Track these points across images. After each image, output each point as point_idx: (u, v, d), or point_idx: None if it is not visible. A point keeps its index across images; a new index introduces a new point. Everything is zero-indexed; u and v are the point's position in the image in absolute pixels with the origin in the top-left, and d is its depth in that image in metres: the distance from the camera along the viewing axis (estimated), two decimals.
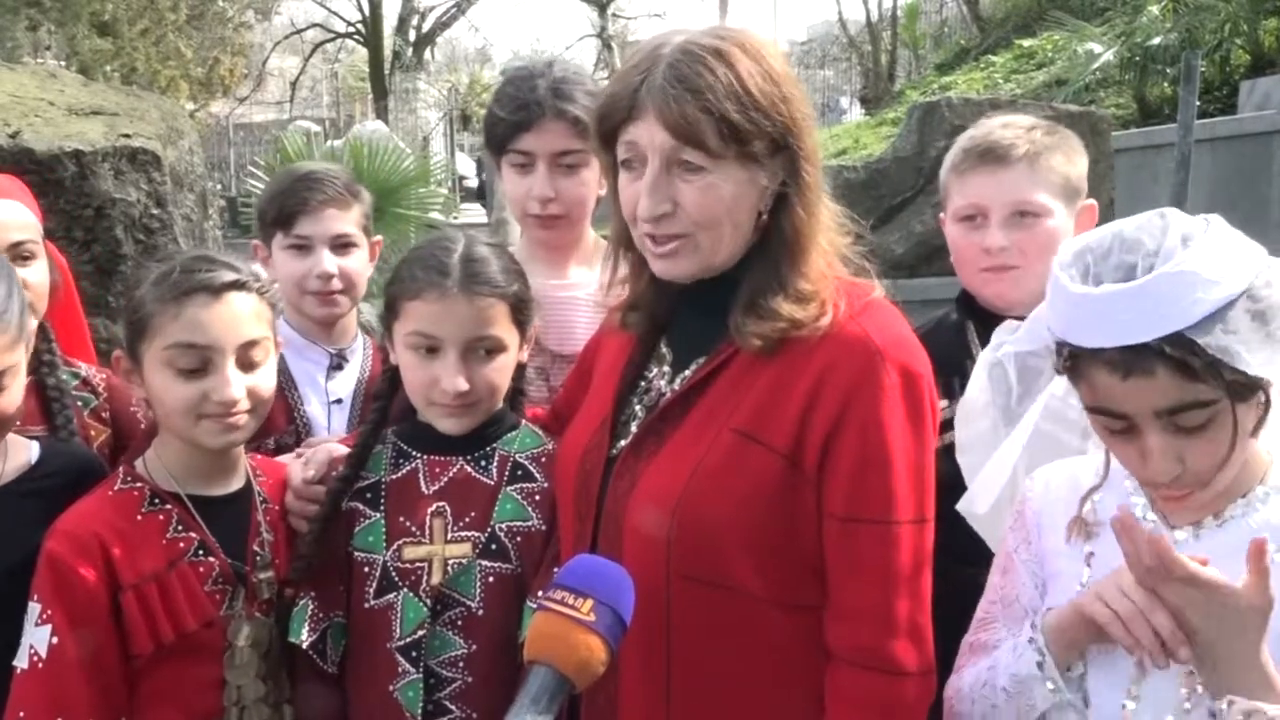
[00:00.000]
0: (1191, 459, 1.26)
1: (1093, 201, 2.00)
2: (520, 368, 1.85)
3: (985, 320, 1.94)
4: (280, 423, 2.04)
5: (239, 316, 1.64)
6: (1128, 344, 1.20)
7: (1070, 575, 1.41)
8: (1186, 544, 1.33)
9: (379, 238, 2.34)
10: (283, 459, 1.92)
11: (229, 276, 1.63)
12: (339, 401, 2.20)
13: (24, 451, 1.71)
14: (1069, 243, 1.34)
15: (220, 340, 1.61)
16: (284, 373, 2.10)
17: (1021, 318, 1.67)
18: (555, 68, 2.12)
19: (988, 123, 2.02)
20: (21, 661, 1.54)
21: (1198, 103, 6.77)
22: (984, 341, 1.83)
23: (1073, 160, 1.97)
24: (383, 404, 1.84)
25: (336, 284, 2.15)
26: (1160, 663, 1.26)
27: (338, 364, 2.22)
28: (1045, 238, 1.90)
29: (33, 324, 1.89)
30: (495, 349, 1.73)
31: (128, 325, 1.66)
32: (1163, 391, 1.21)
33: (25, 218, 1.99)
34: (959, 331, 2.02)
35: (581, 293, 2.14)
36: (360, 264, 2.22)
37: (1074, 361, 1.28)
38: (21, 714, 1.52)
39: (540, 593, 1.36)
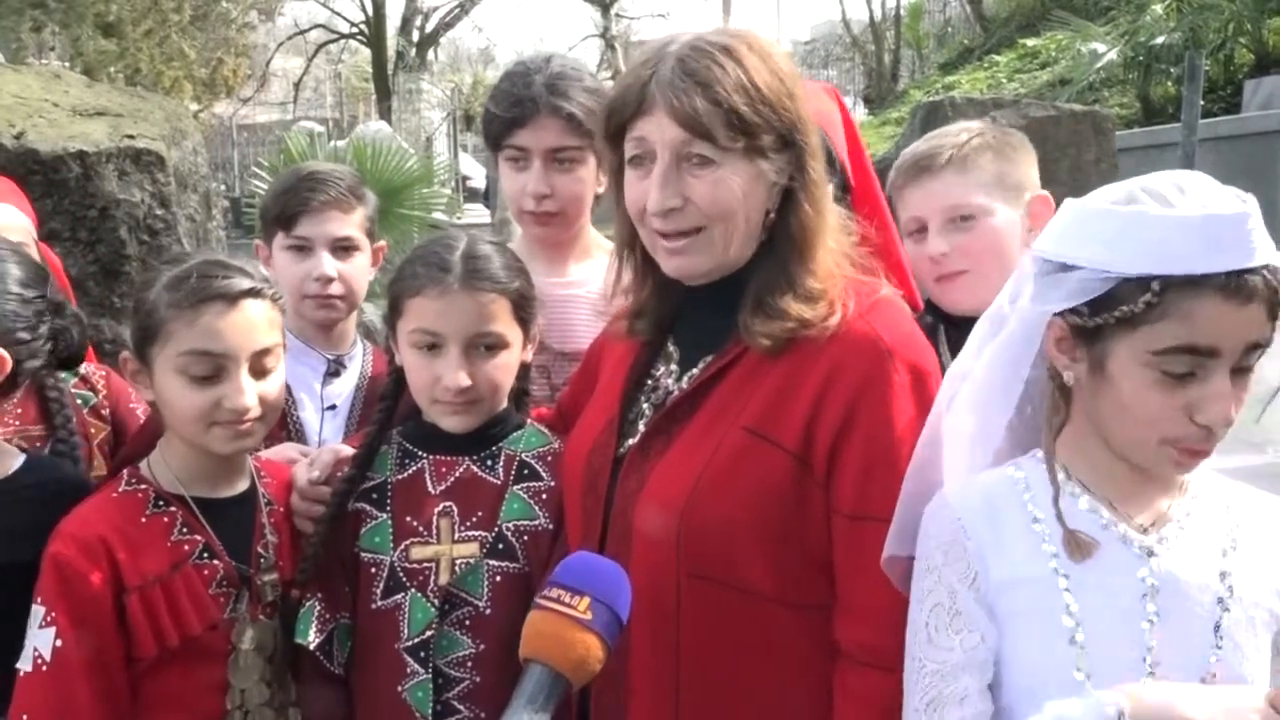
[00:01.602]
0: (1236, 404, 1.26)
1: (1044, 192, 1.96)
2: (525, 367, 1.85)
3: (957, 324, 1.90)
4: (272, 428, 2.00)
5: (254, 324, 1.63)
6: (1248, 266, 1.19)
7: (1048, 608, 1.30)
8: (1163, 548, 1.32)
9: (382, 242, 2.31)
10: (279, 450, 1.91)
11: (245, 284, 1.63)
12: (333, 408, 2.17)
13: (5, 459, 1.70)
14: (1088, 198, 1.30)
15: (235, 348, 1.61)
16: None
17: None
18: (552, 64, 2.10)
19: (925, 138, 2.04)
20: (25, 664, 1.53)
21: (1201, 102, 6.78)
22: (955, 345, 1.77)
23: (1009, 157, 1.96)
24: (388, 404, 1.83)
25: (336, 288, 2.12)
26: None
27: (335, 370, 2.20)
28: (990, 237, 1.90)
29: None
30: (497, 345, 1.73)
31: (138, 328, 1.65)
32: (1257, 324, 1.22)
33: (17, 220, 1.98)
34: (930, 336, 2.01)
35: (582, 291, 2.14)
36: (361, 268, 2.19)
37: (1164, 297, 1.21)
38: (25, 717, 1.51)
39: (537, 591, 1.35)
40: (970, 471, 1.42)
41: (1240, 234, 1.20)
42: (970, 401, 1.41)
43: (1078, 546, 1.31)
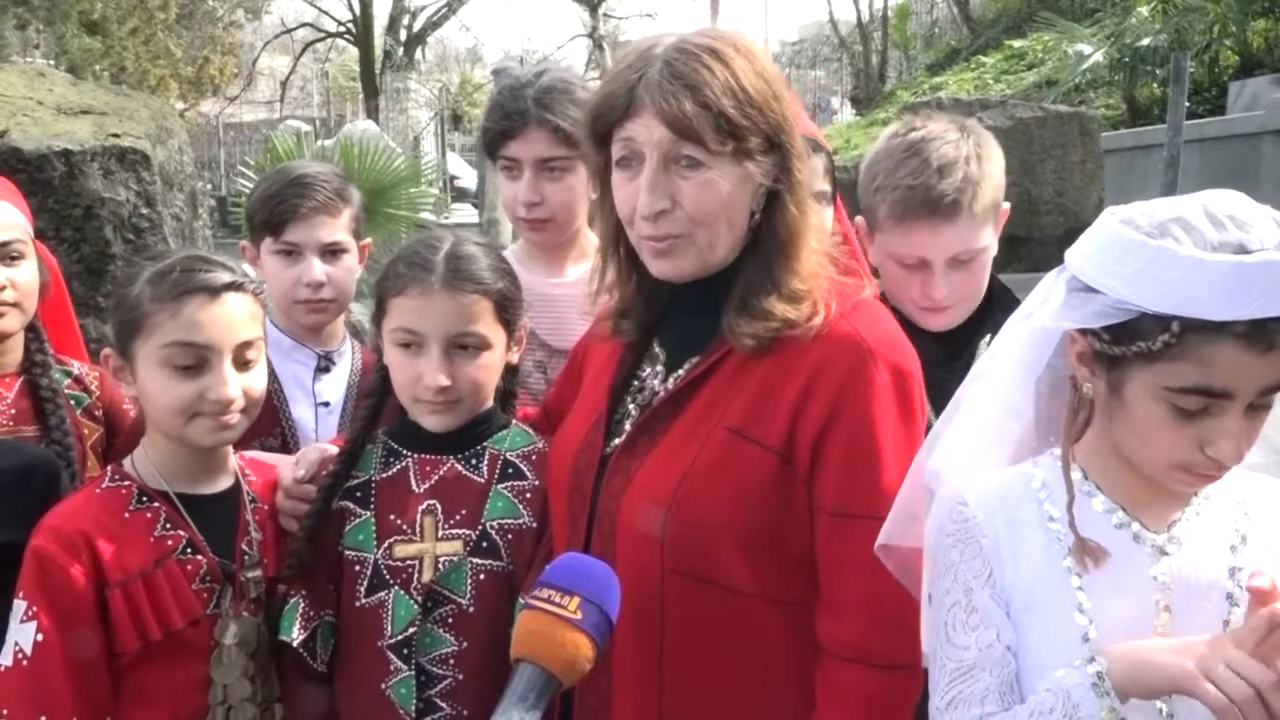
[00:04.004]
0: (1247, 441, 1.25)
1: (1005, 205, 1.98)
2: (510, 368, 1.85)
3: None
4: (265, 426, 2.02)
5: (236, 317, 1.65)
6: (1273, 315, 1.16)
7: (1061, 605, 1.32)
8: (1175, 547, 1.33)
9: (368, 240, 2.33)
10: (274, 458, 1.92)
11: (227, 278, 1.65)
12: (327, 405, 2.19)
13: None
14: (1119, 217, 1.27)
15: (218, 340, 1.62)
16: (270, 375, 2.08)
17: None
18: (544, 78, 2.17)
19: (924, 157, 1.91)
20: (5, 658, 1.53)
21: (1187, 103, 6.81)
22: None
23: (996, 176, 1.93)
24: (374, 401, 1.84)
25: (326, 292, 2.15)
26: None
27: (325, 366, 2.21)
28: (980, 271, 1.95)
29: (16, 325, 1.89)
30: (479, 346, 1.73)
31: (120, 322, 1.66)
32: (1276, 369, 1.20)
33: (13, 218, 1.99)
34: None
35: (579, 290, 2.18)
36: (349, 270, 2.21)
37: (1182, 339, 1.19)
38: (4, 711, 1.51)
39: (527, 591, 1.36)
40: (988, 467, 1.42)
41: (1269, 282, 1.16)
42: (983, 399, 1.42)
43: (1088, 554, 1.32)
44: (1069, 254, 1.34)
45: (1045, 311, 1.32)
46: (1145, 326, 1.21)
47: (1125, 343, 1.24)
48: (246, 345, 1.66)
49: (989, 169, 1.94)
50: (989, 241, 1.93)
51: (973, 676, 1.33)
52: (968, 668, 1.34)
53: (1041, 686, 1.28)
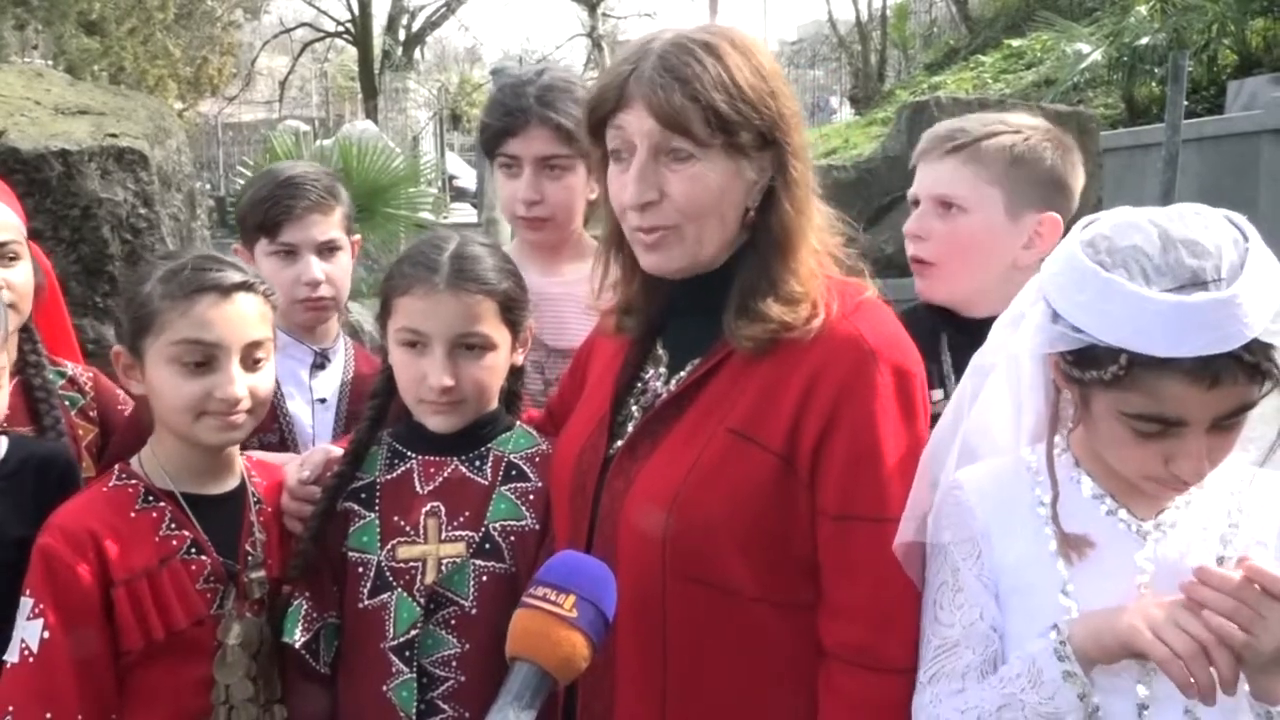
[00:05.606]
0: (1214, 457, 1.28)
1: (1053, 214, 1.86)
2: (516, 370, 1.85)
3: (959, 326, 1.90)
4: (265, 422, 2.00)
5: (245, 317, 1.66)
6: (1221, 352, 1.17)
7: (1046, 587, 1.36)
8: (1160, 534, 1.36)
9: (358, 236, 2.35)
10: (277, 457, 1.92)
11: (238, 277, 1.67)
12: (323, 401, 2.20)
13: None
14: (1085, 236, 1.29)
15: (227, 339, 1.64)
16: None
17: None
18: (544, 76, 2.18)
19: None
20: (11, 655, 1.54)
21: (1185, 103, 6.80)
22: (955, 346, 1.84)
23: (1032, 165, 1.85)
24: (379, 402, 1.84)
25: (324, 290, 2.16)
26: (1211, 702, 1.21)
27: (321, 363, 2.23)
28: (972, 230, 1.86)
29: (12, 325, 1.89)
30: (483, 347, 1.73)
31: (131, 320, 1.67)
32: (1233, 396, 1.22)
33: (8, 218, 1.98)
34: (931, 336, 1.94)
35: (576, 289, 2.18)
36: (345, 267, 2.23)
37: (1130, 371, 1.22)
38: (10, 708, 1.52)
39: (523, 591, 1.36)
40: (999, 453, 1.46)
41: (1211, 322, 1.17)
42: (996, 394, 1.45)
43: (1072, 547, 1.35)
44: (1045, 264, 1.36)
45: (1020, 334, 1.36)
46: (1099, 355, 1.25)
47: (1083, 368, 1.28)
48: (255, 345, 1.67)
49: (1026, 149, 1.85)
50: (984, 207, 1.85)
51: (955, 653, 1.38)
52: (951, 644, 1.38)
53: (1013, 657, 1.33)
